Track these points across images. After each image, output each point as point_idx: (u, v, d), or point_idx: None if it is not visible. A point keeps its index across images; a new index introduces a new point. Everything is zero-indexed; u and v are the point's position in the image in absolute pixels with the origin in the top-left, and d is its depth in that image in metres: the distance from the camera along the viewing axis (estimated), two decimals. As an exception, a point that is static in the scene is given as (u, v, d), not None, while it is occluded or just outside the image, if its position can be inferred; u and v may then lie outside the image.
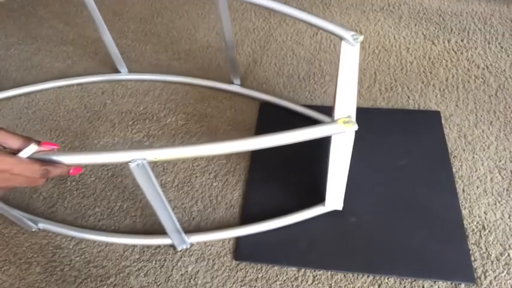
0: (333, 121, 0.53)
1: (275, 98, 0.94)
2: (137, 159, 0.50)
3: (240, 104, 0.96)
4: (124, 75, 1.05)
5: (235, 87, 0.98)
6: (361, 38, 0.62)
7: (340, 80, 0.58)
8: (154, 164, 0.86)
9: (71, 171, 0.52)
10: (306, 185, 0.79)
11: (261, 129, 0.89)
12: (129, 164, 0.50)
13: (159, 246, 0.73)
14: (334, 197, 0.70)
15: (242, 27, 1.17)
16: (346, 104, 0.56)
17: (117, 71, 1.06)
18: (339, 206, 0.73)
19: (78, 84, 1.05)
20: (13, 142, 0.48)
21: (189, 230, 0.75)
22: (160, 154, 0.50)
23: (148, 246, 0.74)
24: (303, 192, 0.78)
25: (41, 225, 0.77)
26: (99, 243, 0.75)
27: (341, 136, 0.55)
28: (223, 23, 0.81)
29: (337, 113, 0.54)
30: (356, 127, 0.53)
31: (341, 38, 0.63)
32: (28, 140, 0.49)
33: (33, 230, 0.77)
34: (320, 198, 0.74)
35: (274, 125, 0.90)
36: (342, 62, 0.60)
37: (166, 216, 0.63)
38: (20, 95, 1.04)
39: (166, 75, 1.04)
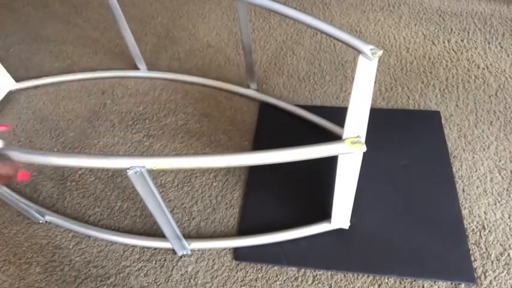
0: (341, 140, 0.51)
1: (290, 105, 0.92)
2: (136, 166, 0.49)
3: (239, 104, 0.96)
4: (143, 73, 1.06)
5: (251, 92, 0.97)
6: (380, 52, 0.59)
7: (354, 97, 0.56)
8: (154, 164, 0.86)
9: (19, 176, 0.51)
10: (308, 187, 0.78)
11: (261, 129, 0.89)
12: (127, 171, 0.49)
13: (160, 248, 0.73)
14: (341, 216, 0.68)
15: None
16: (357, 122, 0.53)
17: (122, 69, 1.06)
18: (346, 224, 0.70)
19: (81, 80, 1.06)
20: None
21: (189, 230, 0.75)
22: (160, 163, 0.50)
23: (149, 247, 0.74)
24: (304, 195, 0.78)
25: (48, 218, 0.77)
26: (99, 243, 0.75)
27: (348, 156, 0.53)
28: (242, 30, 0.81)
29: (346, 132, 0.52)
30: (364, 148, 0.51)
31: (359, 52, 0.59)
32: None
33: (40, 221, 0.78)
34: (323, 205, 0.74)
35: (275, 125, 0.90)
36: (357, 77, 0.57)
37: (166, 223, 0.63)
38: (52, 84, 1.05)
39: (184, 75, 1.04)
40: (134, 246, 0.74)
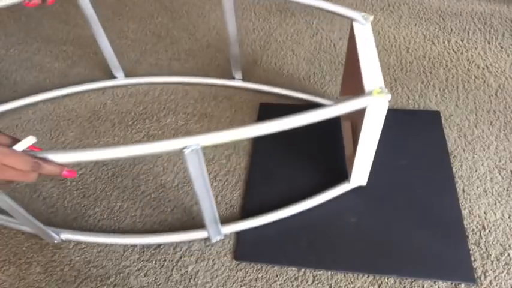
0: (368, 93, 0.56)
1: (275, 88, 0.97)
2: (191, 145, 0.51)
3: (240, 104, 0.96)
4: (120, 81, 1.04)
5: (237, 82, 0.99)
6: (371, 17, 0.65)
7: (361, 56, 0.61)
8: (154, 164, 0.86)
9: (64, 172, 0.51)
10: (307, 179, 0.79)
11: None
12: (184, 150, 0.50)
13: (159, 245, 0.73)
14: (360, 172, 0.72)
15: (242, 27, 1.17)
16: (373, 76, 0.58)
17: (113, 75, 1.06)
18: (364, 181, 0.75)
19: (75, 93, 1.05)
20: (3, 139, 0.48)
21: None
22: (213, 138, 0.52)
23: (149, 246, 0.74)
24: (304, 186, 0.78)
25: (64, 236, 0.75)
26: (99, 243, 0.75)
27: (375, 107, 0.56)
28: (227, 14, 0.83)
29: (368, 86, 0.57)
30: (390, 96, 0.55)
31: (352, 20, 0.66)
32: (17, 140, 0.49)
33: (56, 241, 0.75)
34: (322, 189, 0.76)
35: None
36: (358, 41, 0.63)
37: (208, 205, 0.64)
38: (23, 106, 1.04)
39: (165, 76, 1.04)
40: (134, 246, 0.74)
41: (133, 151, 0.50)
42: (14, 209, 0.62)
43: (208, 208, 0.64)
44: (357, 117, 0.69)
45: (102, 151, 0.50)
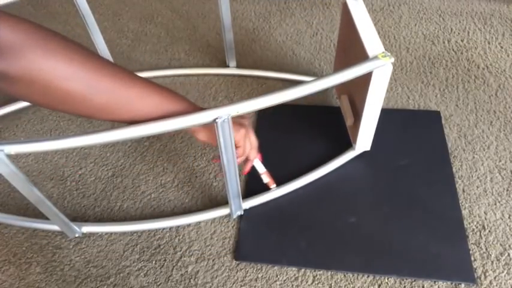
0: (373, 57, 0.59)
1: (268, 72, 1.01)
2: (223, 115, 0.53)
3: (237, 99, 0.96)
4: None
5: (232, 70, 1.02)
6: None
7: (360, 27, 0.65)
8: (154, 164, 0.86)
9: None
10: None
11: (262, 128, 0.89)
12: (217, 121, 0.53)
13: (159, 245, 0.73)
14: (365, 138, 0.75)
15: (242, 27, 1.17)
16: (374, 43, 0.62)
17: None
18: (368, 146, 0.79)
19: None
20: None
21: (189, 230, 0.75)
22: (241, 108, 0.55)
23: (149, 246, 0.74)
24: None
25: (85, 229, 0.75)
26: (99, 243, 0.75)
27: (381, 70, 0.59)
28: (221, 2, 0.86)
29: (371, 51, 0.60)
30: (393, 59, 0.58)
31: None
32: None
33: (76, 235, 0.75)
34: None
35: (274, 124, 0.90)
36: (354, 14, 0.67)
37: (234, 177, 0.66)
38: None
39: (164, 70, 1.06)
40: (134, 246, 0.74)
41: (168, 126, 0.53)
42: (42, 202, 0.63)
43: (233, 181, 0.66)
44: (355, 89, 0.73)
45: (140, 127, 0.53)
